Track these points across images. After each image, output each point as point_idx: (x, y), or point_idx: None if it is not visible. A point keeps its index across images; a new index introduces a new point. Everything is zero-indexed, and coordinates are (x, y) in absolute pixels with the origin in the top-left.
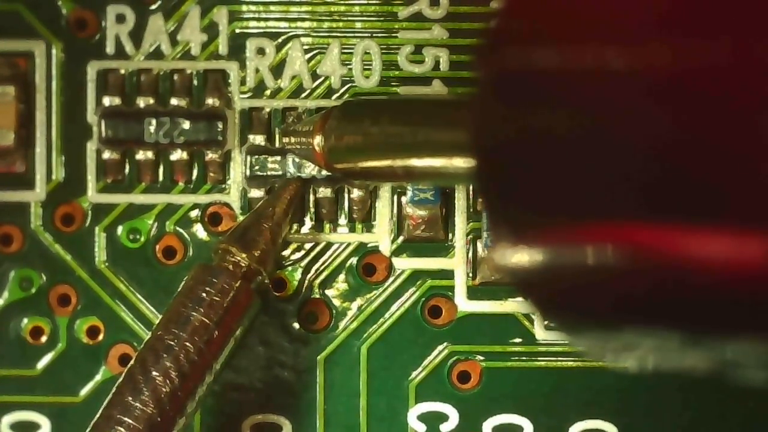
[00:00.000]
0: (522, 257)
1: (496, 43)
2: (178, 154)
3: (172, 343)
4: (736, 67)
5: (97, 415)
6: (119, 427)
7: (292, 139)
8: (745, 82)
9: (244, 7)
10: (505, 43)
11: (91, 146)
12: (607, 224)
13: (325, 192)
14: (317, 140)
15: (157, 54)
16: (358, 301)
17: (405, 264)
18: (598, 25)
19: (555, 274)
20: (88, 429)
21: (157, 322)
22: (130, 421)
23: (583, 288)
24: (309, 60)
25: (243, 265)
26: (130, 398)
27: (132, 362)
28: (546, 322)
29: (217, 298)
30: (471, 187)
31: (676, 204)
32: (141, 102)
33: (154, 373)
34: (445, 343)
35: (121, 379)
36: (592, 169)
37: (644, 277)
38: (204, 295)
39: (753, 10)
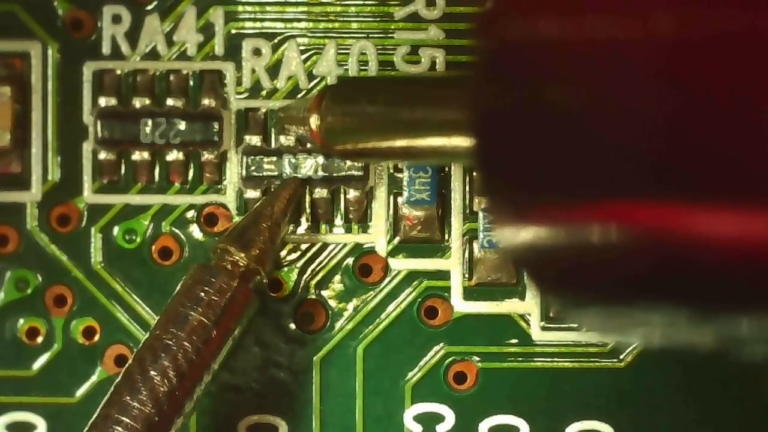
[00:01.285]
0: (524, 236)
1: (495, 14)
2: (174, 155)
3: (171, 342)
4: (744, 35)
5: (95, 415)
6: (117, 427)
7: (289, 121)
8: (754, 50)
9: (240, 8)
10: (505, 14)
11: (87, 147)
12: (613, 201)
13: (321, 192)
14: (313, 120)
15: (153, 54)
16: (354, 302)
17: (401, 265)
18: None
19: (559, 252)
20: (86, 428)
21: (153, 322)
22: (128, 420)
23: (588, 266)
24: (305, 60)
25: (241, 264)
26: (127, 397)
27: (130, 362)
28: (543, 323)
29: (216, 298)
30: (469, 176)
31: (683, 179)
32: (137, 102)
33: (152, 372)
34: (441, 344)
35: (119, 379)
36: (597, 144)
37: (650, 255)
38: (202, 294)
39: None
